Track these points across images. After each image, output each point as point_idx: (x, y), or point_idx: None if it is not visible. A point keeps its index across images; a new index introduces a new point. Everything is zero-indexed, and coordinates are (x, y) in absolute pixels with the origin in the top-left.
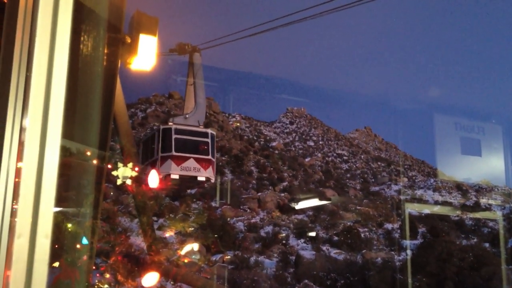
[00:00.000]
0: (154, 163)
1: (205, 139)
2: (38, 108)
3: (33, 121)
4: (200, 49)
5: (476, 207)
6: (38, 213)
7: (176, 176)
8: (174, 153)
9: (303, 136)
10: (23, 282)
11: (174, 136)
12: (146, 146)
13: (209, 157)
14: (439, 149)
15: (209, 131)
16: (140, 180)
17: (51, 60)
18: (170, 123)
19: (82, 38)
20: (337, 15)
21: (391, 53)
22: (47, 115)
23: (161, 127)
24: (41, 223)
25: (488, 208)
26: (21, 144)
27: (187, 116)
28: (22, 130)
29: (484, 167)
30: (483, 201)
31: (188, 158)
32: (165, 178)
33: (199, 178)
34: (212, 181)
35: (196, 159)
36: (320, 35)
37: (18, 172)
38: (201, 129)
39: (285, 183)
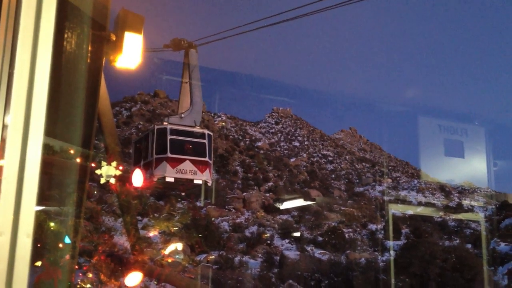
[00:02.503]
0: (147, 165)
1: (202, 140)
2: (20, 105)
3: (15, 118)
4: (197, 45)
5: (459, 208)
6: (20, 212)
7: (171, 179)
8: (169, 154)
9: (289, 137)
10: (4, 281)
11: (169, 137)
12: (138, 147)
13: (206, 159)
14: (422, 150)
15: (206, 131)
16: (124, 179)
17: (34, 57)
18: (165, 123)
19: (66, 35)
20: (323, 16)
21: (377, 55)
22: (29, 113)
23: (156, 127)
24: (23, 221)
25: (470, 209)
26: (2, 141)
27: (182, 115)
28: (4, 127)
29: (467, 168)
30: (466, 202)
31: (184, 160)
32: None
33: (196, 181)
34: (209, 184)
35: (193, 161)
36: (306, 35)
37: None
38: (197, 129)
39: (270, 183)
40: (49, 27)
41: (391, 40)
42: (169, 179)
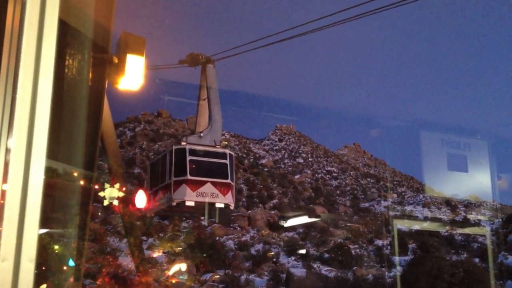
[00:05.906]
0: (165, 188)
1: (223, 161)
2: (22, 128)
3: (17, 141)
4: (215, 60)
5: (465, 222)
6: (23, 236)
7: (192, 203)
8: (189, 177)
9: (293, 153)
10: None
11: (188, 158)
12: (155, 170)
13: (228, 180)
14: (427, 165)
15: (227, 151)
16: (127, 200)
17: (36, 80)
18: (183, 143)
19: (68, 58)
20: (325, 33)
21: (379, 71)
22: (31, 136)
23: (174, 147)
24: (26, 246)
25: (477, 223)
26: (5, 165)
27: (202, 134)
28: (6, 151)
29: (472, 182)
30: (472, 216)
31: (205, 182)
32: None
33: (217, 205)
34: (232, 208)
35: (214, 184)
36: (307, 53)
37: (2, 193)
38: (218, 149)
39: (275, 201)
40: (51, 50)
41: (393, 55)
42: (189, 203)
